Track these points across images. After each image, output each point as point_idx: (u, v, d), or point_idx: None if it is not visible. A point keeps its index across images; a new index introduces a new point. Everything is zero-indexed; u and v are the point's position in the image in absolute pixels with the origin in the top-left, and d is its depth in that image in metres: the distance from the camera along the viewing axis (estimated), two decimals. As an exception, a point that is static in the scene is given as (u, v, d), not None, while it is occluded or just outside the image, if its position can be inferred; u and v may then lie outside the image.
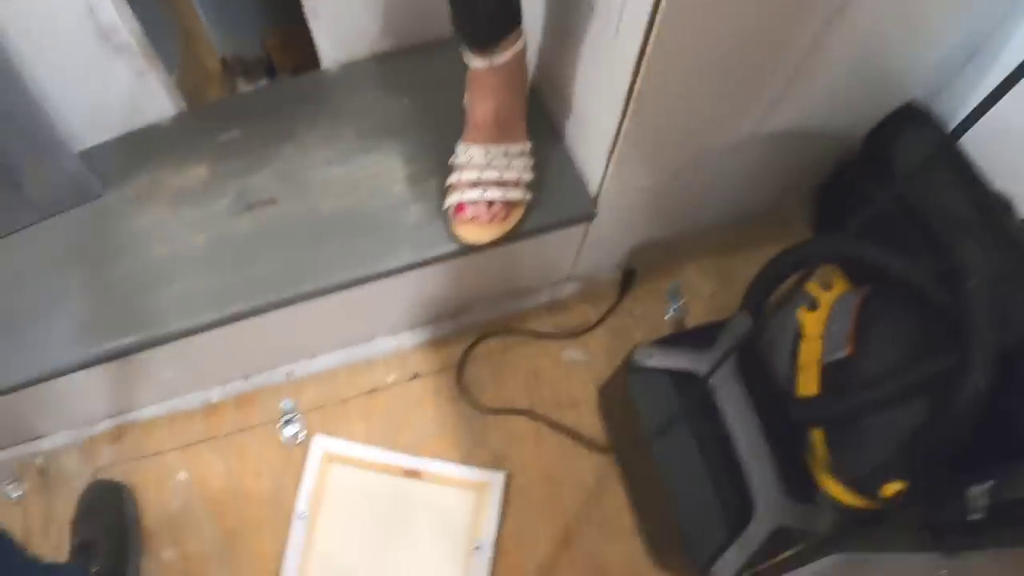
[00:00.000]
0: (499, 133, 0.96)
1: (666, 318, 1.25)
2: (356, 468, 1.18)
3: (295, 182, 1.11)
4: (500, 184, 0.97)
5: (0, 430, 1.25)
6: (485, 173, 0.97)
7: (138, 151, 1.19)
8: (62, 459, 1.25)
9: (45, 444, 1.26)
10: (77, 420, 1.27)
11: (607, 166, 0.96)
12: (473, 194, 0.97)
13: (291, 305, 1.04)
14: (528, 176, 1.00)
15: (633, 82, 0.79)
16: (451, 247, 1.02)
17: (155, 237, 1.09)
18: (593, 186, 1.03)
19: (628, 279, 1.25)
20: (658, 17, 0.70)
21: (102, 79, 1.10)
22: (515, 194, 0.99)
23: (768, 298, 1.03)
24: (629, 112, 0.83)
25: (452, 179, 1.00)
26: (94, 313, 1.06)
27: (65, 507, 1.19)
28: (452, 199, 0.99)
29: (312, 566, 1.13)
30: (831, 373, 0.94)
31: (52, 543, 1.19)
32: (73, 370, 1.06)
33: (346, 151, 1.12)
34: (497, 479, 1.14)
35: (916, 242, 0.99)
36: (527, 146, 1.00)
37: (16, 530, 1.21)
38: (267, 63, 1.56)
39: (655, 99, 0.82)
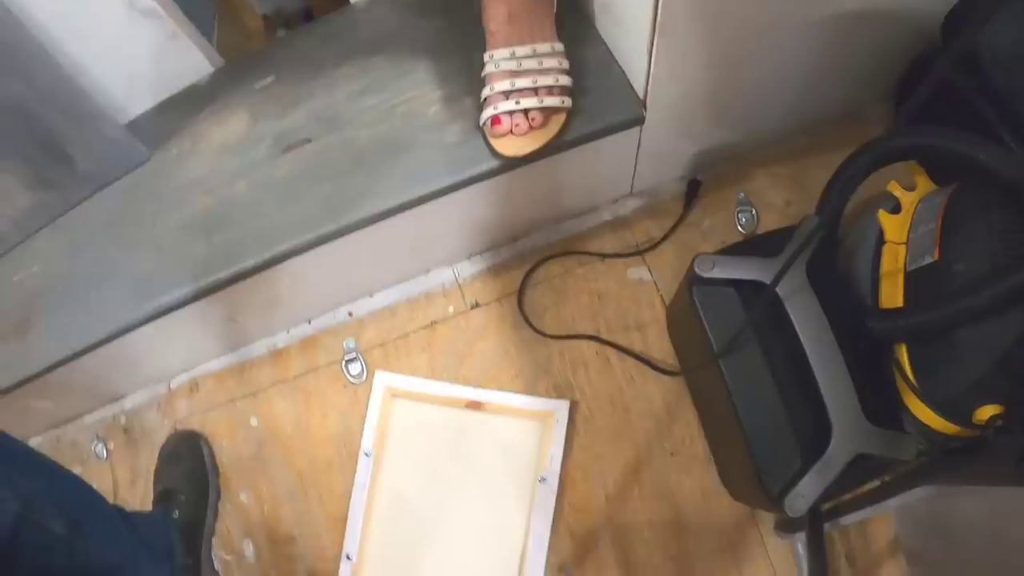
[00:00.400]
0: (521, 32, 0.90)
1: (738, 230, 1.16)
2: (418, 402, 1.16)
3: (330, 118, 1.08)
4: (535, 92, 0.91)
5: (83, 394, 1.31)
6: (518, 81, 0.91)
7: (179, 112, 1.21)
8: (143, 416, 1.29)
9: (127, 404, 1.31)
10: (154, 377, 1.31)
11: (650, 61, 0.87)
12: (507, 105, 0.92)
13: (338, 239, 1.02)
14: (565, 80, 0.93)
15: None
16: (491, 164, 0.97)
17: (200, 191, 1.10)
18: (639, 86, 0.95)
19: (693, 191, 1.17)
20: None
21: (135, 46, 1.11)
22: (552, 101, 0.92)
23: (845, 202, 0.92)
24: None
25: (485, 92, 0.94)
26: (150, 271, 1.08)
27: (149, 461, 1.24)
28: (486, 113, 0.94)
29: (379, 502, 1.14)
30: (917, 281, 0.85)
31: (139, 496, 1.25)
32: (139, 326, 1.09)
33: (379, 80, 1.08)
34: (562, 408, 1.10)
35: (1008, 136, 0.88)
36: (558, 45, 0.93)
37: (106, 486, 1.28)
38: (307, 11, 1.54)
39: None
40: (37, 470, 0.93)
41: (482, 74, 0.95)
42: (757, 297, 0.89)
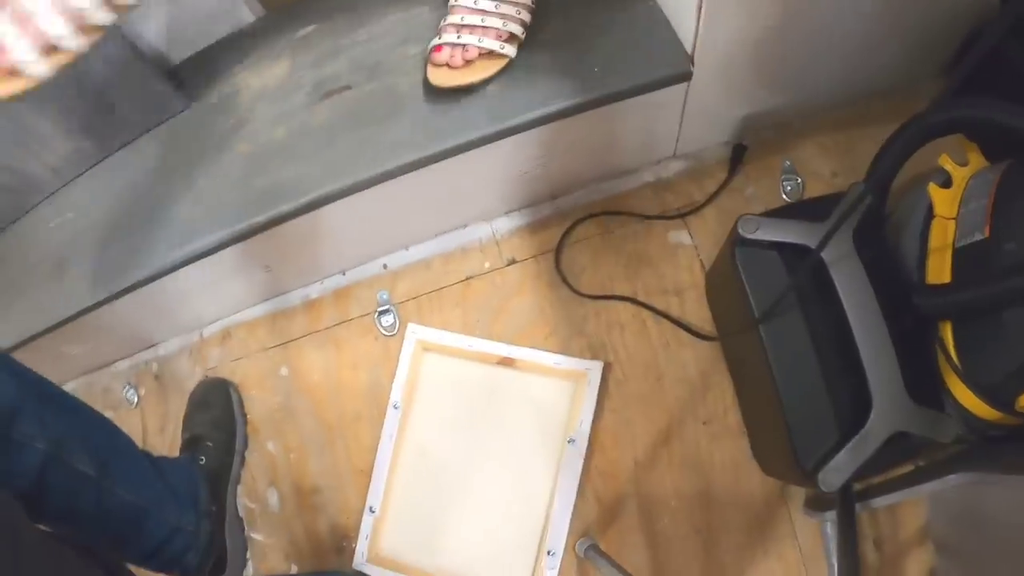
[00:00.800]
0: None
1: (782, 197, 1.13)
2: (449, 357, 1.15)
3: (370, 66, 1.07)
4: (481, 30, 0.95)
5: (116, 340, 1.32)
6: (467, 17, 0.96)
7: (219, 60, 1.21)
8: (174, 363, 1.30)
9: (159, 351, 1.33)
10: (187, 325, 1.32)
11: (699, 15, 0.84)
12: (450, 37, 0.96)
13: (374, 186, 1.01)
14: (514, 28, 0.96)
15: None
16: (531, 115, 0.95)
17: (239, 138, 1.10)
18: (688, 41, 0.92)
19: (738, 155, 1.13)
20: None
21: None
22: (490, 43, 0.95)
23: (894, 174, 0.89)
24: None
25: (442, 22, 0.99)
26: (187, 216, 1.08)
27: (178, 408, 1.25)
28: (432, 42, 0.98)
29: (404, 455, 1.13)
30: (965, 258, 0.81)
31: (167, 442, 1.27)
32: (173, 270, 1.09)
33: (421, 27, 1.06)
34: (595, 369, 1.08)
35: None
36: None
37: (136, 431, 1.29)
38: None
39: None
40: (68, 412, 0.94)
41: (448, 3, 0.99)
42: (801, 261, 0.85)
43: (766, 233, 0.88)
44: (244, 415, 1.22)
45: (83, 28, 0.75)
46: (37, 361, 1.26)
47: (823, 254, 0.82)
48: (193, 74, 1.22)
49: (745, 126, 1.12)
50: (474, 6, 0.95)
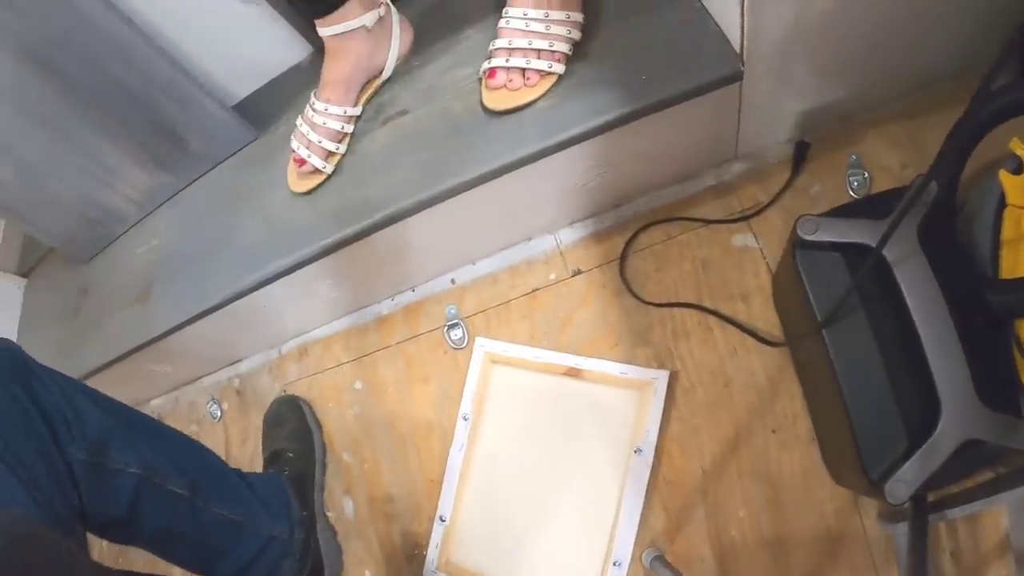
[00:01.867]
0: None
1: (849, 195, 1.09)
2: (517, 369, 1.17)
3: (424, 90, 1.11)
4: (534, 53, 0.98)
5: (200, 358, 1.40)
6: (516, 40, 0.98)
7: (283, 92, 1.29)
8: (255, 379, 1.37)
9: (241, 367, 1.40)
10: (266, 342, 1.39)
11: (743, 8, 0.83)
12: (499, 60, 0.99)
13: (438, 204, 1.04)
14: (562, 46, 0.98)
15: None
16: (583, 127, 0.96)
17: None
18: (735, 38, 0.90)
19: (801, 153, 1.10)
20: None
21: (238, 32, 1.20)
22: (540, 64, 0.98)
23: (962, 162, 0.84)
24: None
25: (492, 45, 1.01)
26: (260, 240, 1.15)
27: (259, 421, 1.31)
28: (484, 65, 1.01)
29: (474, 465, 1.15)
30: None
31: (248, 454, 1.33)
32: (249, 292, 1.16)
33: (470, 50, 1.10)
34: (661, 378, 1.07)
35: None
36: (575, 15, 0.98)
37: (219, 445, 1.36)
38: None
39: None
40: (156, 436, 1.00)
41: (496, 26, 1.01)
42: (864, 260, 0.82)
43: (826, 233, 0.85)
44: (318, 424, 1.28)
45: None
46: (127, 379, 1.35)
47: (886, 252, 0.79)
48: (260, 106, 1.30)
49: (806, 121, 1.09)
50: (525, 28, 0.97)
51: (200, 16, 1.16)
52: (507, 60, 0.98)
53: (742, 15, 0.83)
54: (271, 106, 1.29)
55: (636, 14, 1.01)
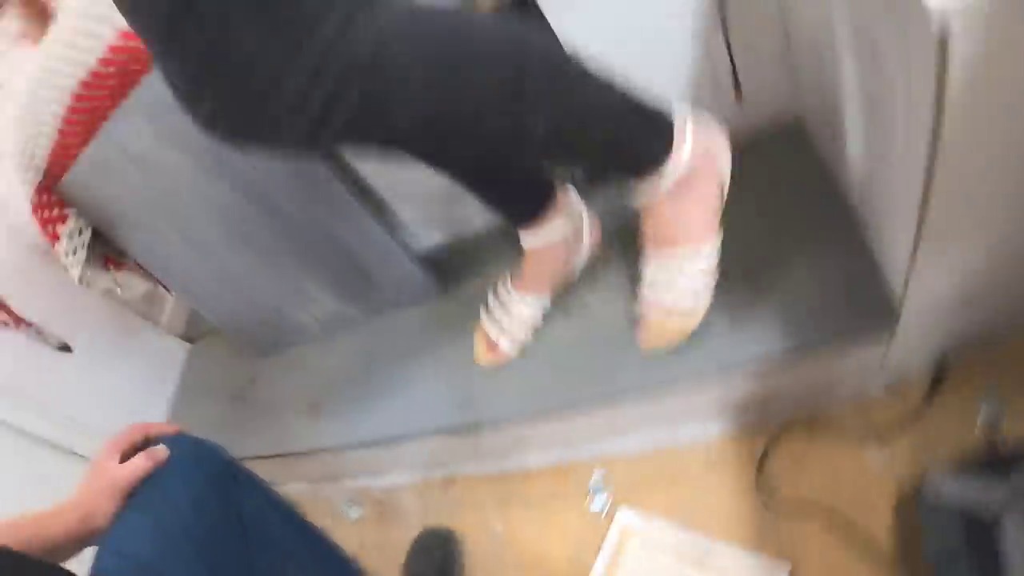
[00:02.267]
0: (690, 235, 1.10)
1: (976, 431, 1.09)
2: (652, 547, 1.24)
3: (605, 291, 1.25)
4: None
5: (355, 464, 1.52)
6: (665, 297, 1.13)
7: (470, 254, 1.42)
8: (397, 495, 1.49)
9: (386, 480, 1.52)
10: (417, 465, 1.49)
11: (913, 255, 0.82)
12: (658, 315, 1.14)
13: (603, 407, 1.18)
14: (706, 300, 1.12)
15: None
16: (746, 354, 1.09)
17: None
18: (897, 284, 0.96)
19: (941, 373, 1.14)
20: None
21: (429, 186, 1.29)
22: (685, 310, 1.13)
23: None
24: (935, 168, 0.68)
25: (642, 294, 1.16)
26: (425, 396, 1.30)
27: (394, 537, 1.42)
28: (640, 311, 1.16)
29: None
30: None
31: (376, 567, 1.40)
32: (405, 440, 1.30)
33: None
34: (782, 572, 1.14)
35: None
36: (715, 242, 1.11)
37: (352, 545, 1.41)
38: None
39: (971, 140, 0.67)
40: (329, 559, 1.13)
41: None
42: (978, 527, 0.85)
43: (948, 492, 0.89)
44: (463, 569, 1.36)
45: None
46: (278, 468, 1.48)
47: (1008, 519, 0.81)
48: (446, 260, 1.43)
49: (949, 343, 1.13)
50: (672, 284, 1.10)
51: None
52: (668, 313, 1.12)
53: (911, 261, 0.85)
54: (457, 263, 1.43)
55: (794, 255, 1.11)
